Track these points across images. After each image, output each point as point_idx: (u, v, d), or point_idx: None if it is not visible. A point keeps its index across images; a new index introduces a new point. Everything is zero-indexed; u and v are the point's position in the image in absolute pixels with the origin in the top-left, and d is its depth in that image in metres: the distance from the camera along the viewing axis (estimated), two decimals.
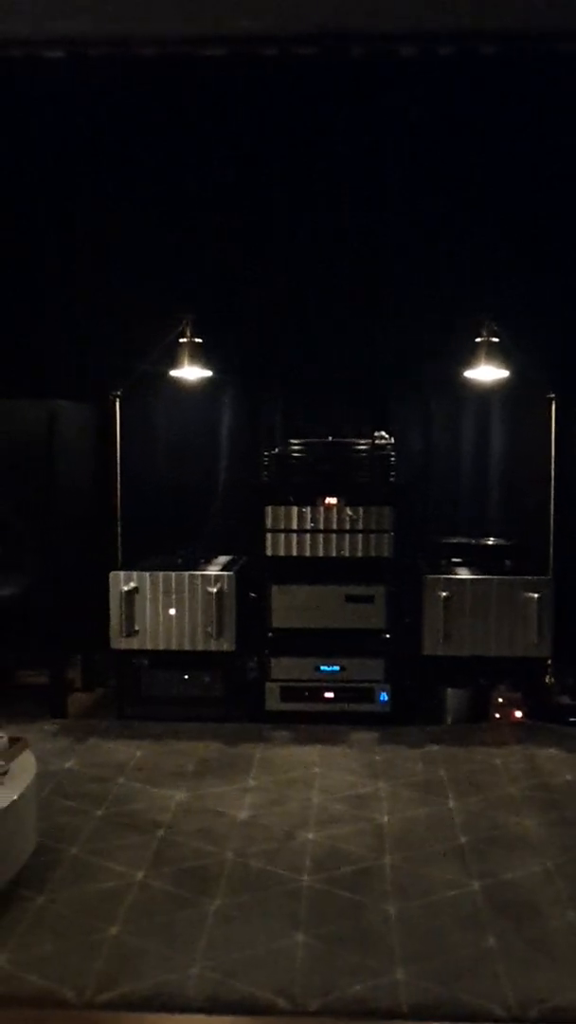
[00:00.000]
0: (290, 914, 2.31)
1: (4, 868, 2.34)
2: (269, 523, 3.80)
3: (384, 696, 3.79)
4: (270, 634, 3.81)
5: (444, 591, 3.74)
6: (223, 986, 2.02)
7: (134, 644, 3.78)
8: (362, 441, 3.94)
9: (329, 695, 3.80)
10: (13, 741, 2.62)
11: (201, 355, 4.11)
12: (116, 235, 4.40)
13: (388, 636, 3.80)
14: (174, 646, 3.78)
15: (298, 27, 3.96)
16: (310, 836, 2.75)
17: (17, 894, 2.37)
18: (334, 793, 3.08)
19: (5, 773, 2.44)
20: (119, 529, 4.07)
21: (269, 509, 3.80)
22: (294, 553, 3.80)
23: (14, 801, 2.35)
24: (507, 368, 4.01)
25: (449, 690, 3.80)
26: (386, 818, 2.88)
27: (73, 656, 4.14)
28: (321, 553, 3.80)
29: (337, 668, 3.80)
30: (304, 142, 4.36)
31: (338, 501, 3.81)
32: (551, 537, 3.99)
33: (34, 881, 2.44)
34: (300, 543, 3.80)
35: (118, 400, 4.08)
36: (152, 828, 2.80)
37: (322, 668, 3.79)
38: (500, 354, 3.98)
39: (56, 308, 4.44)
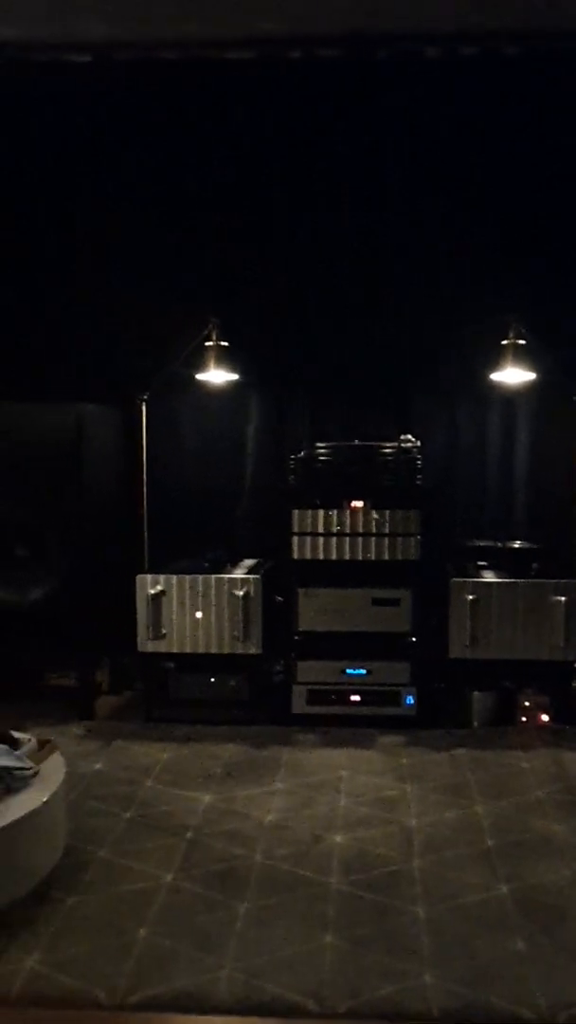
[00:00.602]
0: (318, 917, 2.31)
1: (35, 869, 2.37)
2: (295, 526, 3.81)
3: (410, 699, 3.79)
4: (296, 637, 3.82)
5: (471, 594, 3.73)
6: (253, 988, 2.03)
7: (161, 647, 3.80)
8: (388, 444, 3.94)
9: (355, 698, 3.80)
10: (42, 744, 2.65)
11: (227, 359, 4.13)
12: (143, 239, 4.44)
13: (414, 639, 3.80)
14: (201, 649, 3.79)
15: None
16: (338, 839, 2.75)
17: (48, 895, 2.39)
18: (361, 796, 3.08)
19: (35, 775, 2.47)
20: (146, 532, 4.09)
21: (295, 512, 3.81)
22: (320, 556, 3.81)
23: (44, 803, 2.38)
24: (534, 370, 3.99)
25: (475, 693, 3.79)
26: (414, 821, 2.88)
27: (101, 659, 4.18)
28: (347, 556, 3.80)
29: (363, 671, 3.80)
30: (319, 144, 4.37)
31: (364, 504, 3.81)
32: None
33: (64, 882, 2.46)
34: (326, 546, 3.81)
35: (145, 404, 4.10)
36: (180, 830, 2.82)
37: (348, 671, 3.80)
38: (526, 356, 3.97)
39: (84, 312, 4.48)
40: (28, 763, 2.46)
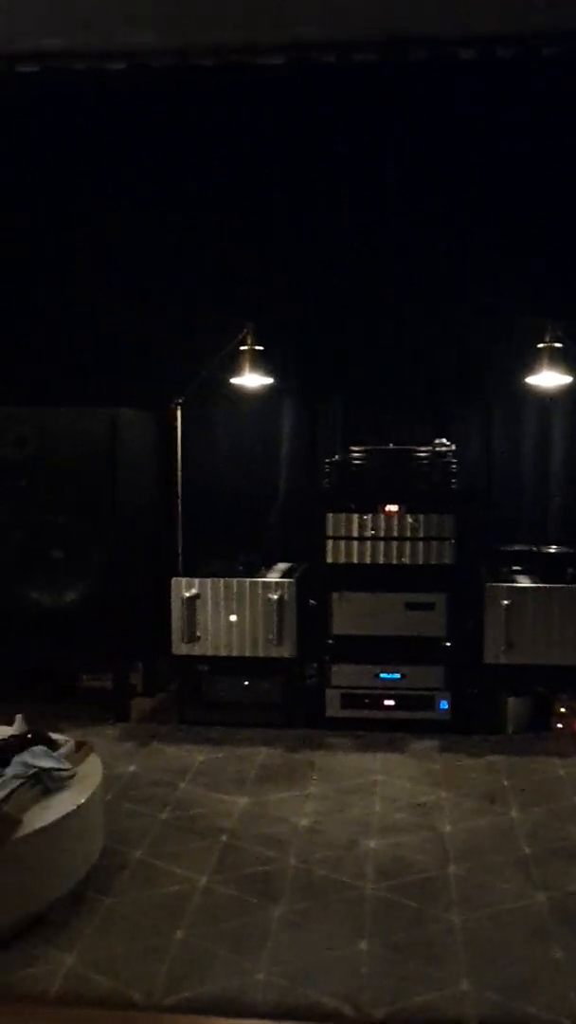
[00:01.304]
0: (354, 922, 2.31)
1: (73, 870, 2.39)
2: (330, 530, 3.81)
3: (444, 704, 3.77)
4: (330, 641, 3.82)
5: (506, 599, 3.70)
6: (289, 992, 2.03)
7: (195, 650, 3.82)
8: (423, 448, 3.92)
9: (389, 702, 3.79)
10: (79, 745, 2.67)
11: (261, 363, 4.14)
12: (179, 244, 4.47)
13: (448, 644, 3.78)
14: (235, 652, 3.81)
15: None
16: (372, 844, 2.75)
17: (86, 895, 2.41)
18: (396, 801, 3.07)
19: (73, 776, 2.49)
20: (180, 535, 4.12)
21: (330, 516, 3.81)
22: (355, 560, 3.80)
23: (82, 804, 2.40)
24: (570, 373, 3.96)
25: (510, 699, 3.76)
26: (448, 828, 2.87)
27: (135, 661, 4.20)
28: (382, 560, 3.79)
29: (397, 675, 3.79)
30: (351, 144, 4.36)
31: (399, 508, 3.80)
32: None
33: (102, 883, 2.48)
34: (360, 550, 3.80)
35: (180, 408, 4.13)
36: (215, 833, 2.83)
37: (382, 675, 3.79)
38: (563, 359, 3.94)
39: (120, 316, 4.52)
40: (67, 764, 2.48)
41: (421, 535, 3.80)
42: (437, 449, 3.92)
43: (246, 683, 3.86)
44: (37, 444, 3.80)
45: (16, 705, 2.80)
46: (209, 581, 3.81)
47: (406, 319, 4.41)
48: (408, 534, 3.80)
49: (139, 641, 4.10)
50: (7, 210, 4.57)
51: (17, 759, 2.40)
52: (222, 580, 3.81)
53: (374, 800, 3.08)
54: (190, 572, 3.93)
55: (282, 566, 4.13)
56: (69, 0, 3.97)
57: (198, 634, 3.81)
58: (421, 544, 3.80)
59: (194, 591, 3.80)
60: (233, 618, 3.79)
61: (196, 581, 3.82)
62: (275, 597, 3.77)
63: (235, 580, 3.81)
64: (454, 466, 3.86)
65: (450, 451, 3.92)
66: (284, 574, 3.95)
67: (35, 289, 4.56)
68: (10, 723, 2.66)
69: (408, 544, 3.80)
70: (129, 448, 3.92)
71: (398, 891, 2.47)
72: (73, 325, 4.54)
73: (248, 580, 3.82)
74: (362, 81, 4.23)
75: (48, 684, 4.16)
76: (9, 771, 2.36)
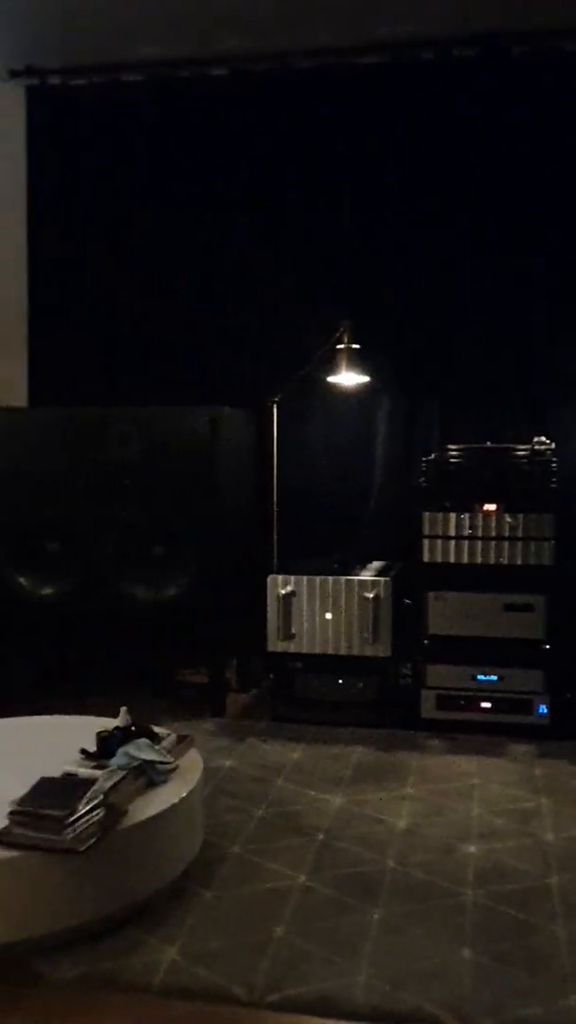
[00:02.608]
0: (455, 928, 2.28)
1: (174, 862, 2.43)
2: (426, 529, 3.76)
3: (543, 708, 3.69)
4: (426, 641, 3.78)
5: None
6: (390, 997, 2.02)
7: (290, 647, 3.83)
8: (521, 447, 3.84)
9: (486, 705, 3.72)
10: (180, 739, 2.71)
11: (358, 361, 4.12)
12: (279, 242, 4.50)
13: (548, 647, 3.69)
14: (329, 650, 3.80)
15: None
16: (472, 849, 2.71)
17: (186, 888, 2.45)
18: (494, 806, 3.02)
19: (175, 769, 2.53)
20: (276, 533, 4.14)
21: (426, 515, 3.77)
22: (451, 560, 3.75)
23: (184, 797, 2.43)
24: None
25: None
26: (550, 835, 2.80)
27: (230, 657, 4.24)
28: (479, 560, 3.73)
29: (494, 678, 3.73)
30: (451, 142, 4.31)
31: (497, 508, 3.73)
32: None
33: (201, 876, 2.51)
34: (457, 550, 3.75)
35: (276, 406, 4.14)
36: (312, 831, 2.83)
37: (479, 677, 3.73)
38: None
39: (219, 316, 4.57)
40: (168, 757, 2.52)
41: (520, 535, 3.71)
42: (536, 447, 3.83)
43: (340, 681, 3.85)
44: (139, 443, 3.86)
45: (114, 699, 2.85)
46: (305, 579, 3.82)
47: (504, 315, 4.33)
48: (506, 534, 3.73)
49: (234, 637, 4.13)
50: (111, 212, 4.69)
51: (121, 751, 2.45)
52: (318, 578, 3.81)
53: (472, 804, 3.03)
54: (285, 570, 3.94)
55: (376, 565, 4.10)
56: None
57: (293, 631, 3.82)
58: (520, 544, 3.72)
59: (290, 588, 3.81)
60: (328, 616, 3.79)
61: (292, 579, 3.83)
62: (370, 596, 3.75)
63: (330, 578, 3.81)
64: (554, 465, 3.76)
65: (549, 449, 3.82)
66: (379, 573, 3.92)
67: (136, 292, 4.66)
68: (114, 715, 2.71)
69: (506, 544, 3.73)
70: (227, 446, 3.95)
71: (499, 899, 2.42)
72: (172, 325, 4.62)
73: (344, 578, 3.81)
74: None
75: (146, 678, 4.23)
76: (114, 762, 2.41)
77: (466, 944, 2.21)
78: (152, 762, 2.44)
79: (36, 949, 2.14)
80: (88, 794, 2.21)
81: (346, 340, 4.08)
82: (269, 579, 3.85)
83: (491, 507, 3.73)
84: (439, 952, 2.18)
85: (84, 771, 2.38)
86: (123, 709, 2.67)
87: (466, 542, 3.75)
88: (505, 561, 3.72)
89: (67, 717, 3.04)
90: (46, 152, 4.75)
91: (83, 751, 2.57)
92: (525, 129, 4.27)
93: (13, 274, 4.81)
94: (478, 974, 2.09)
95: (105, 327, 4.69)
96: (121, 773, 2.36)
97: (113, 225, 4.68)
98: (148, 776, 2.43)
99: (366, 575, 3.87)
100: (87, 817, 2.16)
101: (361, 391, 4.30)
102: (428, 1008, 1.98)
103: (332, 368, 4.14)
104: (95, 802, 2.20)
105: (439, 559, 3.76)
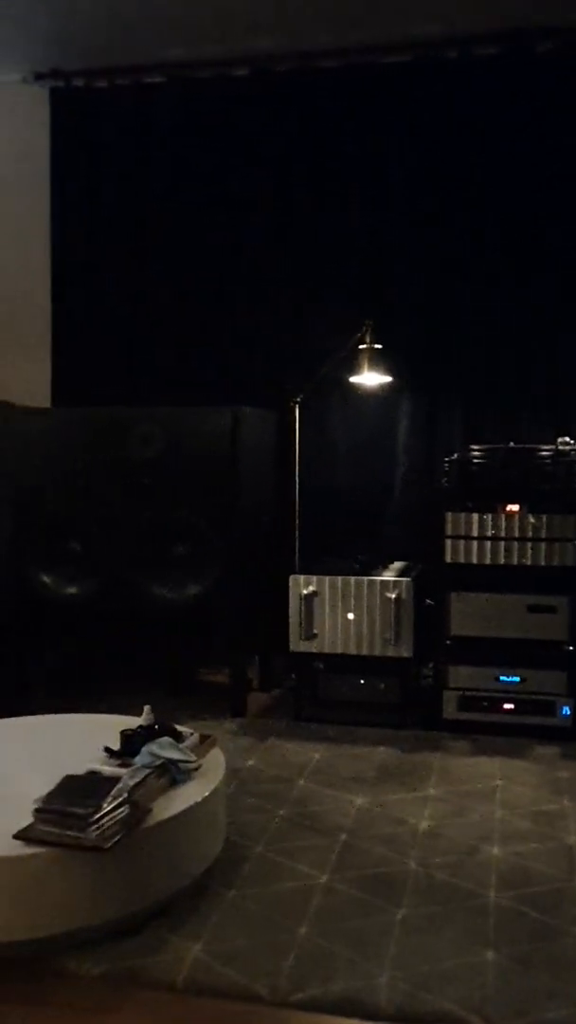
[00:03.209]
0: (478, 930, 2.27)
1: (197, 861, 2.43)
2: (449, 530, 3.75)
3: (566, 710, 3.66)
4: (448, 642, 3.77)
5: None
6: (413, 998, 2.01)
7: (312, 647, 3.83)
8: (545, 447, 3.82)
9: (508, 706, 3.71)
10: (203, 738, 2.72)
11: (380, 361, 4.12)
12: (300, 242, 4.50)
13: (571, 648, 3.67)
14: (351, 650, 3.80)
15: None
16: (495, 851, 2.69)
17: (209, 887, 2.45)
18: (517, 808, 3.00)
19: (198, 768, 2.53)
20: (297, 533, 4.14)
21: (449, 515, 3.76)
22: (474, 560, 3.74)
23: (207, 796, 2.43)
24: None
25: None
26: (574, 838, 2.78)
27: (252, 657, 4.25)
28: (502, 561, 3.71)
29: (517, 679, 3.71)
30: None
31: (520, 508, 3.71)
32: None
33: (224, 875, 2.52)
34: (480, 550, 3.73)
35: (298, 406, 4.14)
36: (334, 831, 2.83)
37: (502, 678, 3.71)
38: None
39: (239, 316, 4.58)
40: (192, 756, 2.53)
41: (543, 536, 3.69)
42: (560, 448, 3.80)
43: (362, 682, 3.85)
44: (161, 443, 3.88)
45: (136, 698, 2.86)
46: (327, 579, 3.82)
47: (528, 316, 4.31)
48: (529, 534, 3.71)
49: (256, 637, 4.14)
50: (132, 213, 4.72)
51: (145, 749, 2.46)
52: (340, 578, 3.81)
53: (495, 806, 3.02)
54: (307, 570, 3.94)
55: (398, 565, 4.10)
56: None
57: (315, 631, 3.82)
58: (543, 545, 3.70)
59: (312, 588, 3.81)
60: (350, 616, 3.79)
61: (314, 579, 3.83)
62: (392, 596, 3.74)
63: (352, 578, 3.81)
64: None
65: (574, 450, 3.80)
66: (401, 573, 3.92)
67: (157, 293, 4.68)
68: (136, 714, 2.72)
69: (529, 545, 3.71)
70: (249, 446, 3.96)
71: (523, 901, 2.41)
72: (192, 326, 4.64)
73: (366, 578, 3.80)
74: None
75: (167, 677, 4.25)
76: (138, 760, 2.42)
77: (490, 946, 2.20)
78: (175, 761, 2.45)
79: (62, 945, 2.16)
80: (112, 792, 2.22)
81: (368, 340, 4.08)
82: (291, 579, 3.85)
83: (514, 508, 3.71)
84: (462, 954, 2.17)
85: (108, 769, 2.40)
86: (147, 708, 2.69)
87: (489, 543, 3.73)
88: (528, 562, 3.70)
89: (91, 715, 3.06)
90: (69, 154, 4.79)
91: (107, 749, 2.59)
92: (551, 126, 4.24)
93: (37, 276, 4.85)
94: (501, 976, 2.08)
95: (126, 328, 4.72)
96: (145, 771, 2.37)
97: (134, 226, 4.70)
98: (171, 775, 2.44)
99: (388, 575, 3.87)
100: (111, 815, 2.17)
101: (383, 390, 4.29)
102: (451, 1009, 1.97)
103: (354, 367, 4.14)
104: (119, 800, 2.21)
105: (461, 560, 3.75)
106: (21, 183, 4.86)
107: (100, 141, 4.74)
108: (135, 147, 4.69)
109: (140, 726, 2.62)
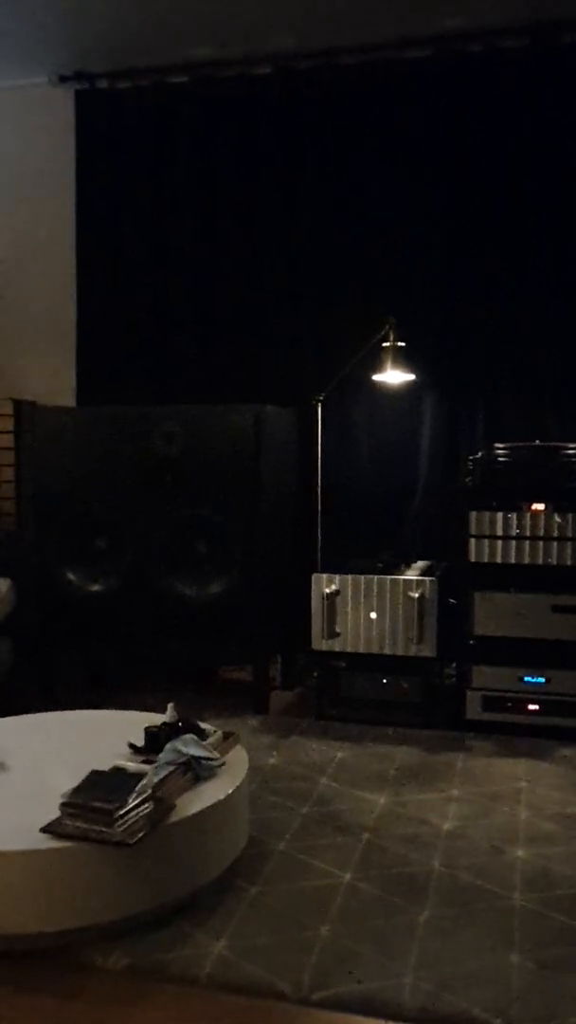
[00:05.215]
0: (503, 933, 2.26)
1: (221, 858, 2.44)
2: (473, 529, 3.73)
3: None
4: (472, 642, 3.75)
5: None
6: (437, 999, 2.00)
7: (335, 646, 3.83)
8: (571, 445, 3.79)
9: (533, 707, 3.68)
10: (227, 735, 2.72)
11: (403, 359, 4.11)
12: (322, 240, 4.50)
13: None
14: (374, 649, 3.79)
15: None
16: (519, 853, 2.68)
17: (232, 884, 2.46)
18: (542, 810, 2.98)
19: (222, 765, 2.54)
20: (320, 531, 4.13)
21: (473, 514, 3.74)
22: (498, 560, 3.71)
23: (230, 793, 2.44)
24: None
25: None
26: None
27: (274, 655, 4.25)
28: (527, 560, 3.69)
29: (542, 680, 3.68)
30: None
31: (545, 507, 3.68)
32: None
33: (247, 872, 2.52)
34: (504, 550, 3.71)
35: (320, 404, 4.14)
36: (356, 830, 2.82)
37: (526, 679, 3.69)
38: None
39: (264, 315, 4.58)
40: (215, 753, 2.53)
41: (568, 535, 3.66)
42: None
43: (384, 681, 3.84)
44: (184, 441, 3.89)
45: (159, 695, 2.88)
46: (350, 578, 3.81)
47: (550, 312, 4.28)
48: (555, 534, 3.68)
49: (278, 635, 4.14)
50: (155, 214, 4.73)
51: (169, 746, 2.47)
52: (363, 577, 3.80)
53: (519, 807, 3.00)
54: (330, 568, 3.94)
55: (420, 564, 4.08)
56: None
57: (338, 630, 3.81)
58: (568, 544, 3.67)
59: (334, 587, 3.81)
60: (373, 615, 3.78)
61: (336, 577, 3.82)
62: (416, 595, 3.73)
63: (375, 577, 3.80)
64: None
65: None
66: (424, 572, 3.91)
67: (180, 292, 4.70)
68: (160, 711, 2.73)
69: (555, 544, 3.68)
70: (271, 444, 3.96)
71: (548, 904, 2.39)
72: (215, 324, 4.64)
73: (388, 577, 3.79)
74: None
75: (190, 675, 4.26)
76: (162, 757, 2.43)
77: (514, 949, 2.19)
78: (199, 758, 2.46)
79: (87, 939, 2.17)
80: (137, 788, 2.23)
81: (391, 338, 4.07)
82: (314, 578, 3.84)
83: (539, 507, 3.69)
84: (486, 956, 2.16)
85: (133, 765, 2.41)
86: (171, 705, 2.70)
87: (513, 542, 3.71)
88: (553, 561, 3.67)
89: (115, 712, 3.08)
90: (94, 155, 4.81)
91: (132, 745, 2.60)
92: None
93: (62, 276, 4.88)
94: (526, 979, 2.07)
95: (150, 327, 4.73)
96: (169, 768, 2.38)
97: (157, 226, 4.72)
98: (195, 772, 2.45)
99: (411, 574, 3.86)
100: (137, 810, 2.18)
101: (406, 389, 4.28)
102: (475, 1012, 1.96)
103: (377, 366, 4.13)
104: (144, 796, 2.22)
105: (485, 559, 3.73)
106: (47, 184, 4.90)
107: (124, 141, 4.76)
108: (159, 147, 4.71)
109: (164, 723, 2.63)
